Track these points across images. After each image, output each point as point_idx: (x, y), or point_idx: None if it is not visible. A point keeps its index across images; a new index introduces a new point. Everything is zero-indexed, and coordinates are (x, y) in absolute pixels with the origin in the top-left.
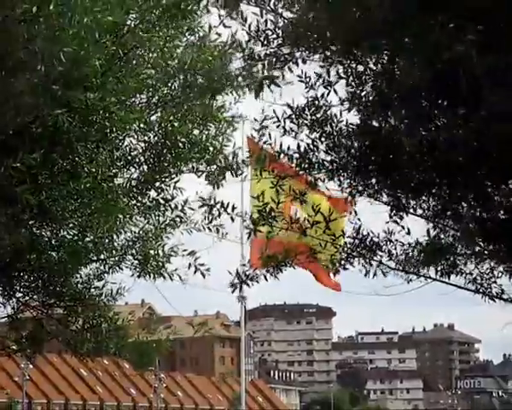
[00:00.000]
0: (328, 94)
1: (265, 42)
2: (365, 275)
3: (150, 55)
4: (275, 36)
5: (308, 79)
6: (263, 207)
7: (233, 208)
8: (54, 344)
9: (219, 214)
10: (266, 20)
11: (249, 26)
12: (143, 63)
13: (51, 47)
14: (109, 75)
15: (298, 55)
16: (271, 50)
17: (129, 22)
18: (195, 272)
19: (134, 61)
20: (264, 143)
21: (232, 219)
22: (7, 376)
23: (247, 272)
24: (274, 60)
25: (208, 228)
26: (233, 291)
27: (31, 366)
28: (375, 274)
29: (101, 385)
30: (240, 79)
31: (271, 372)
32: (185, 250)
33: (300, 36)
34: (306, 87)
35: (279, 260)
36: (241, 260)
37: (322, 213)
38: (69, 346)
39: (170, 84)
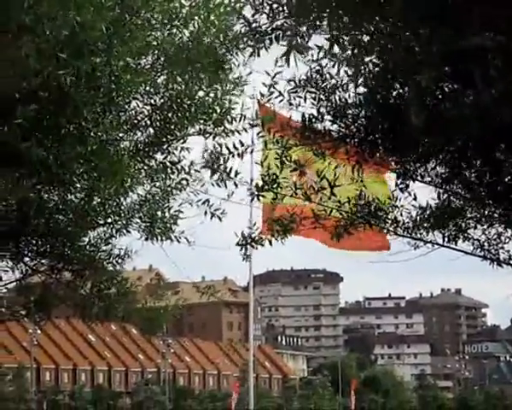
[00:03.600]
0: (333, 66)
1: (271, 14)
2: None
3: (155, 15)
4: (280, 8)
5: (317, 48)
6: (266, 173)
7: (236, 174)
8: (62, 309)
9: (223, 180)
10: None
11: None
12: (148, 25)
13: (56, 11)
14: (115, 39)
15: (304, 28)
16: (277, 24)
17: None
18: (212, 217)
19: (139, 23)
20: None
21: (236, 185)
22: (15, 341)
23: (253, 235)
24: (280, 34)
25: (217, 184)
26: (241, 250)
27: (39, 332)
28: None
29: (109, 351)
30: (245, 39)
31: (279, 338)
32: (199, 201)
33: (306, 6)
34: (312, 59)
35: (285, 224)
36: (248, 223)
37: (328, 180)
38: (77, 310)
39: (175, 44)
